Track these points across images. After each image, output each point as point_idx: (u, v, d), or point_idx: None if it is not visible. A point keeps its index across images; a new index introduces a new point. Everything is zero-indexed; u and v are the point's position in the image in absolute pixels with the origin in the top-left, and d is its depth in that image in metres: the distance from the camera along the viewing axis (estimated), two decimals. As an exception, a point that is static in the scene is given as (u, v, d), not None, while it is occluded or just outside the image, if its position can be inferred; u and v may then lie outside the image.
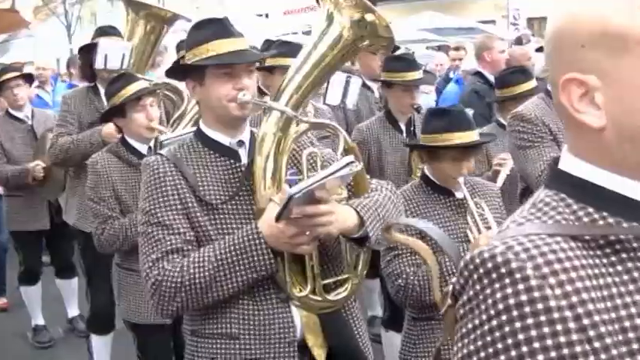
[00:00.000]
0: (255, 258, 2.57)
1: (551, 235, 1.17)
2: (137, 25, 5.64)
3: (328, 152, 2.90)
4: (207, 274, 2.56)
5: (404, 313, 3.59)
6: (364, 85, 6.08)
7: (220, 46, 2.70)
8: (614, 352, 1.10)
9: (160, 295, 2.58)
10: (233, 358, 2.65)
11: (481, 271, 1.15)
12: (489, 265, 1.14)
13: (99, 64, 5.36)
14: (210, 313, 2.68)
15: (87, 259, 5.42)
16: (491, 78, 6.14)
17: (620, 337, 1.12)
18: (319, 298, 2.72)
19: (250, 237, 2.57)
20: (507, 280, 1.12)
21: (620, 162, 1.21)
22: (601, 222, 1.19)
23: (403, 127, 5.17)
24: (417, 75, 5.13)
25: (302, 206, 2.49)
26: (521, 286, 1.11)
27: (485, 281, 1.14)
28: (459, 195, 3.42)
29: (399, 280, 3.26)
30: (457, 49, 10.71)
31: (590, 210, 1.21)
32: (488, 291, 1.14)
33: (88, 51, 5.59)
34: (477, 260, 1.16)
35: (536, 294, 1.10)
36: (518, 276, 1.11)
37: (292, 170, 2.80)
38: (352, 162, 2.52)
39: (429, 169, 3.53)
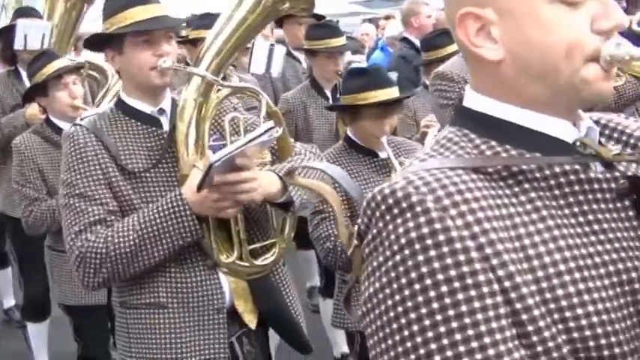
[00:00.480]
0: (180, 224, 2.55)
1: (453, 168, 1.17)
2: (57, 2, 5.48)
3: (251, 117, 2.88)
4: (132, 243, 2.53)
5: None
6: (291, 55, 6.04)
7: (138, 14, 2.67)
8: (519, 279, 1.10)
9: (85, 267, 2.55)
10: (162, 327, 2.63)
11: (383, 207, 1.14)
12: (390, 200, 1.13)
13: (18, 44, 5.21)
14: (138, 284, 2.66)
15: (17, 246, 5.31)
16: (418, 43, 6.13)
17: (525, 265, 1.12)
18: (246, 264, 2.71)
19: (174, 203, 2.55)
20: (408, 214, 1.11)
21: (519, 94, 1.21)
22: (504, 154, 1.19)
23: (329, 94, 5.15)
24: (340, 41, 5.11)
25: (223, 174, 2.47)
26: (422, 219, 1.10)
27: (387, 217, 1.13)
28: (382, 155, 3.42)
29: (328, 243, 3.25)
30: (387, 18, 10.71)
31: (493, 143, 1.21)
32: (390, 227, 1.13)
33: (7, 33, 5.45)
34: (379, 197, 1.15)
35: (438, 225, 1.10)
36: (418, 209, 1.11)
37: (215, 136, 2.78)
38: (272, 127, 2.52)
39: (351, 130, 3.53)
